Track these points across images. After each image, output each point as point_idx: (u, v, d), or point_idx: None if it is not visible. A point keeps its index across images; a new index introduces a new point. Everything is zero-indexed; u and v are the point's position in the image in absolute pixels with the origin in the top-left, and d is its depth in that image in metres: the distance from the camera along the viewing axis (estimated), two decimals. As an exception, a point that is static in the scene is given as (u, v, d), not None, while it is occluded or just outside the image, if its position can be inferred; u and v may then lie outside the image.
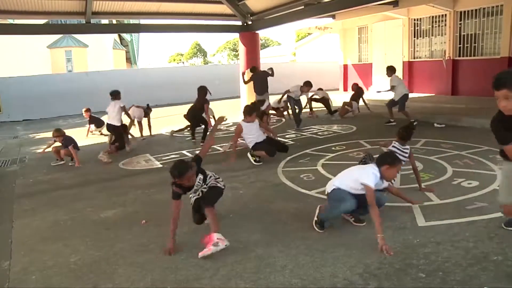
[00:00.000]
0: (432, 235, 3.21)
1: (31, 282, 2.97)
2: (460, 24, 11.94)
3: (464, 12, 11.79)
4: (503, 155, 2.53)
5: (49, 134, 8.05)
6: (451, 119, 8.48)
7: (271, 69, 9.63)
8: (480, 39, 11.51)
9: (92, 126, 9.92)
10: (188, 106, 8.32)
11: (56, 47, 27.54)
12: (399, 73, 13.91)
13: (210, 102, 8.19)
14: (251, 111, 6.20)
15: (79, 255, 3.33)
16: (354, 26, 15.85)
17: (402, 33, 13.72)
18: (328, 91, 11.71)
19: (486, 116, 8.27)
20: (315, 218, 3.51)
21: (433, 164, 5.28)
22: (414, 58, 13.67)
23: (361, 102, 10.51)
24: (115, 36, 32.89)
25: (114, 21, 19.11)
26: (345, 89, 16.24)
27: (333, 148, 6.58)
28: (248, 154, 6.18)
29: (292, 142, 7.38)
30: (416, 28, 13.45)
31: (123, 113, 7.49)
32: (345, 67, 16.67)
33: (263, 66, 11.73)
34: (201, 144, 7.63)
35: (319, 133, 8.29)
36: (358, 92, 10.63)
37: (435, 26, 12.77)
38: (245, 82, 10.80)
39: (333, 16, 13.38)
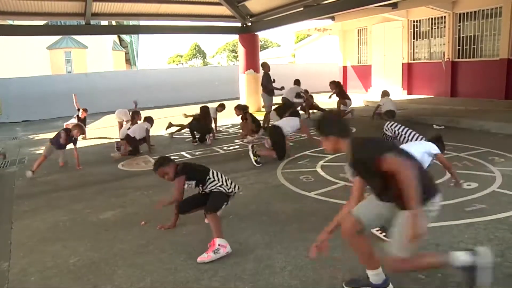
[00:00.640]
0: (431, 237, 3.20)
1: (30, 283, 2.97)
2: (460, 26, 11.96)
3: (464, 14, 11.81)
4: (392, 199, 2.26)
5: (48, 135, 8.06)
6: (450, 120, 8.50)
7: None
8: (479, 41, 11.53)
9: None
10: (188, 107, 8.33)
11: (55, 48, 27.55)
12: (398, 74, 14.03)
13: (209, 103, 8.22)
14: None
15: (78, 256, 3.32)
16: (354, 28, 15.87)
17: (402, 34, 13.73)
18: (327, 93, 11.71)
19: (486, 118, 8.29)
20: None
21: (432, 166, 5.26)
22: (413, 60, 13.69)
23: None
24: (115, 37, 32.90)
25: (114, 22, 19.12)
26: (345, 91, 16.23)
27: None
28: (250, 154, 6.08)
29: (292, 144, 7.39)
30: (415, 29, 13.47)
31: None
32: (345, 68, 16.68)
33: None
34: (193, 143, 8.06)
35: (319, 134, 8.27)
36: (339, 87, 10.59)
37: (435, 28, 12.79)
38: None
39: (333, 18, 13.37)
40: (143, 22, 13.39)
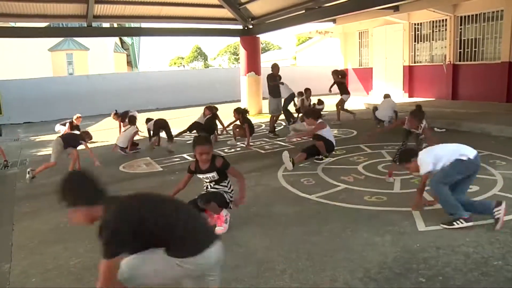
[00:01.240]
0: (432, 240, 3.21)
1: (31, 285, 2.97)
2: (461, 29, 11.98)
3: (465, 17, 11.82)
4: None
5: (50, 137, 8.06)
6: (451, 123, 8.49)
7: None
8: (480, 44, 11.54)
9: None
10: (188, 109, 8.33)
11: (57, 50, 27.60)
12: (399, 77, 14.03)
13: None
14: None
15: (79, 258, 3.33)
16: (355, 31, 15.89)
17: (403, 37, 13.75)
18: (329, 95, 11.72)
19: (487, 120, 8.28)
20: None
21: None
22: (414, 63, 13.70)
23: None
24: (116, 39, 32.93)
25: (115, 25, 19.15)
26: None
27: (334, 152, 6.57)
28: (287, 160, 5.68)
29: (293, 146, 7.39)
30: (416, 32, 13.49)
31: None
32: (346, 71, 16.66)
33: (264, 71, 11.73)
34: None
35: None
36: (342, 77, 10.59)
37: (436, 31, 12.81)
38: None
39: (334, 21, 13.44)
40: (144, 25, 13.40)
